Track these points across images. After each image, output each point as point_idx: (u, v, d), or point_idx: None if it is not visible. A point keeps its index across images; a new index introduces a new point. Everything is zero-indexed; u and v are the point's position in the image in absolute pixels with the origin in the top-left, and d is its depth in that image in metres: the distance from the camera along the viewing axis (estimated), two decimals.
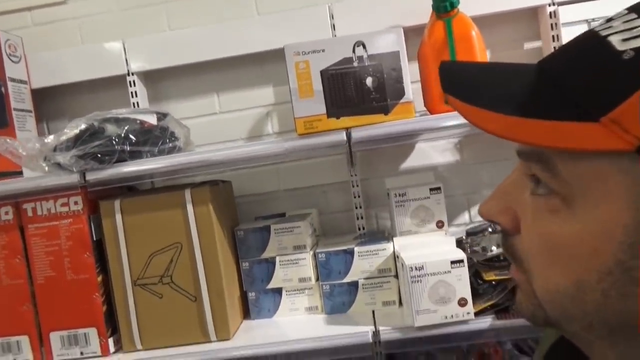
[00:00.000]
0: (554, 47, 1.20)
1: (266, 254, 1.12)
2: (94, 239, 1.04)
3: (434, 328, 0.95)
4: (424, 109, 1.07)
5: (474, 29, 0.98)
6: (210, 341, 1.03)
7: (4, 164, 1.06)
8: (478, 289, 0.97)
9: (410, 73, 0.96)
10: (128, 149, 0.95)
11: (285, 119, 1.36)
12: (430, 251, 0.99)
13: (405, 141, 1.00)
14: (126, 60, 1.28)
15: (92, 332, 1.04)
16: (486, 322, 0.95)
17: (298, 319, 1.11)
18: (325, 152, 1.26)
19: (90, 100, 1.39)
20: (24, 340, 1.05)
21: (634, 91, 0.28)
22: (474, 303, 0.94)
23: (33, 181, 1.02)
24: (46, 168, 0.96)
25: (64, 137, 0.93)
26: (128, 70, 1.29)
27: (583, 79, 0.31)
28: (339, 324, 1.05)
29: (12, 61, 1.19)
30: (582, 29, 1.19)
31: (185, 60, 1.30)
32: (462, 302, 0.95)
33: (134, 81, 1.29)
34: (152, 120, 1.02)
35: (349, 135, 0.94)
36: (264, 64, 1.35)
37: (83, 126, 0.96)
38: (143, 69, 1.30)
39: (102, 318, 1.04)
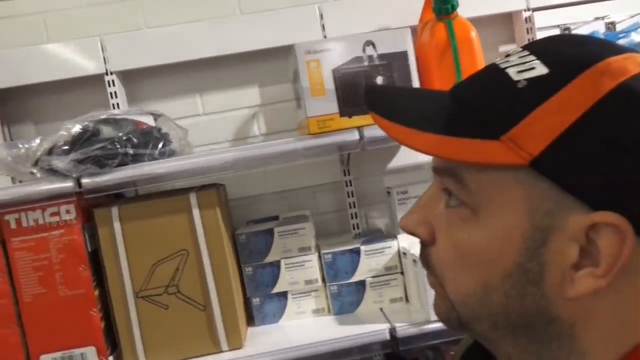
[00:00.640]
0: None
1: (270, 258, 1.09)
2: (89, 250, 0.96)
3: None
4: None
5: (473, 31, 1.02)
6: (221, 351, 0.99)
7: None
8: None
9: None
10: (131, 151, 0.89)
11: (272, 121, 1.34)
12: None
13: None
14: (105, 58, 1.20)
15: (90, 352, 0.96)
16: None
17: (305, 323, 1.10)
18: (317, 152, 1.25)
19: (58, 103, 1.29)
20: None
21: (527, 114, 0.32)
22: None
23: (17, 189, 0.92)
24: (38, 174, 0.87)
25: (60, 140, 0.85)
26: (107, 69, 1.21)
27: (487, 103, 0.35)
28: (349, 324, 1.04)
29: None
30: (555, 32, 1.28)
31: (165, 60, 1.24)
32: None
33: (112, 81, 1.21)
34: (149, 121, 0.97)
35: (361, 134, 0.94)
36: (249, 64, 1.32)
37: (78, 128, 0.88)
38: (121, 68, 1.22)
39: (101, 335, 0.96)
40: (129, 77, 1.26)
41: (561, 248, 0.33)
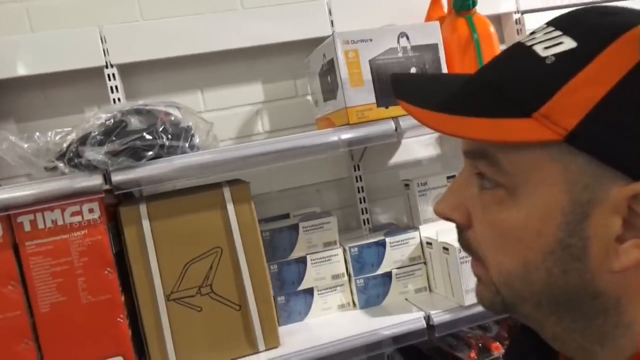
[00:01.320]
0: None
1: (295, 254, 1.07)
2: (114, 251, 0.89)
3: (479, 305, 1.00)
4: None
5: (492, 26, 1.07)
6: (258, 352, 0.95)
7: None
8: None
9: None
10: (167, 143, 0.84)
11: (277, 117, 1.32)
12: None
13: None
14: (105, 50, 1.12)
15: None
16: None
17: (332, 318, 1.08)
18: (305, 155, 1.25)
19: (45, 98, 1.18)
20: None
21: (558, 89, 0.32)
22: None
23: (34, 187, 0.83)
24: (66, 169, 0.79)
25: (93, 130, 0.78)
26: (107, 62, 1.12)
27: (515, 81, 0.35)
28: (379, 316, 1.04)
29: None
30: None
31: (165, 54, 1.18)
32: None
33: (113, 74, 1.13)
34: (176, 112, 0.91)
35: (397, 124, 0.95)
36: (253, 60, 1.29)
37: (104, 117, 0.81)
38: (120, 62, 1.14)
39: (129, 343, 0.89)
40: (127, 71, 1.19)
41: (603, 221, 0.33)
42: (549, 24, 0.36)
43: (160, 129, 0.83)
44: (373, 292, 1.09)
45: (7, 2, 1.16)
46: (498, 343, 1.07)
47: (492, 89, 0.36)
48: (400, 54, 0.96)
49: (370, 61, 0.94)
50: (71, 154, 0.78)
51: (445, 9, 1.19)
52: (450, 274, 1.02)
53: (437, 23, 1.00)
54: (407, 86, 0.42)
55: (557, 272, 0.35)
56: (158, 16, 1.22)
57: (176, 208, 0.91)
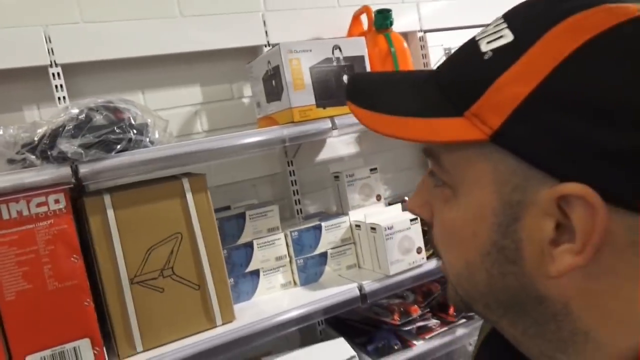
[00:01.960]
0: (423, 64, 1.60)
1: (243, 239, 1.19)
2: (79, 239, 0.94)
3: (403, 273, 1.21)
4: None
5: (405, 42, 1.29)
6: (215, 326, 1.05)
7: None
8: (425, 239, 1.26)
9: None
10: (134, 137, 0.92)
11: (215, 118, 1.42)
12: (388, 216, 1.25)
13: None
14: (50, 50, 1.15)
15: (85, 344, 0.93)
16: (433, 263, 1.25)
17: (277, 296, 1.21)
18: (255, 149, 1.38)
19: None
20: None
21: (488, 87, 0.31)
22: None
23: (3, 179, 0.86)
24: (37, 161, 0.84)
25: (65, 124, 0.84)
26: (52, 61, 1.16)
27: (456, 79, 0.34)
28: (319, 290, 1.20)
29: None
30: (440, 50, 1.63)
31: (109, 56, 1.24)
32: (419, 250, 1.23)
33: (58, 73, 1.17)
34: (137, 110, 1.00)
35: (333, 122, 1.12)
36: (192, 65, 1.39)
37: (76, 112, 0.88)
38: (64, 61, 1.18)
39: (96, 326, 0.94)
40: (71, 71, 1.22)
41: (536, 224, 0.31)
42: (502, 16, 0.34)
43: (128, 124, 0.91)
44: (311, 270, 1.25)
45: None
46: (415, 306, 1.27)
47: (438, 88, 0.36)
48: (334, 63, 1.13)
49: (310, 68, 1.10)
50: (44, 146, 0.83)
51: (364, 26, 1.38)
52: (377, 249, 1.21)
53: (363, 38, 1.18)
54: (359, 87, 0.42)
55: (496, 274, 0.34)
56: (98, 19, 1.27)
57: (139, 198, 0.99)
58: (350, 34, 1.40)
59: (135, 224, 0.98)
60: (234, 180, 1.44)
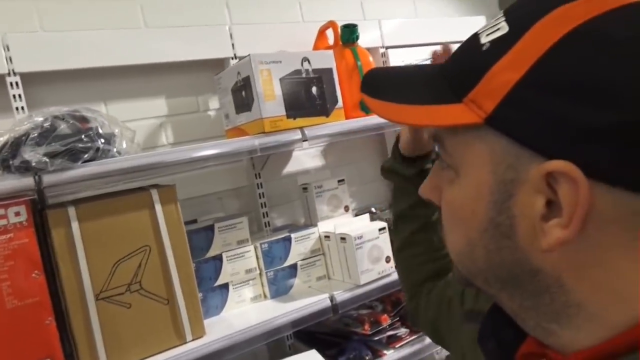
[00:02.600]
0: None
1: (212, 252, 1.16)
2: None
3: (373, 283, 1.22)
4: None
5: (370, 56, 1.32)
6: (186, 342, 1.02)
7: None
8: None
9: None
10: (102, 147, 0.89)
11: (180, 130, 1.40)
12: (357, 226, 1.26)
13: (346, 137, 1.23)
14: (8, 58, 1.10)
15: None
16: None
17: (247, 309, 1.19)
18: (227, 159, 1.37)
19: None
20: None
21: (484, 74, 0.34)
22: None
23: None
24: None
25: (30, 133, 0.80)
26: (10, 70, 1.11)
27: (458, 69, 0.37)
28: (290, 302, 1.19)
29: None
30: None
31: (69, 65, 1.21)
32: (387, 259, 1.25)
33: (16, 82, 1.12)
34: (103, 119, 0.97)
35: (303, 133, 1.13)
36: (156, 76, 1.37)
37: (40, 120, 0.85)
38: (23, 70, 1.14)
39: (58, 345, 0.90)
40: (30, 80, 1.17)
41: (528, 200, 0.33)
42: (503, 10, 0.37)
43: (95, 133, 0.89)
44: (282, 283, 1.24)
45: None
46: (385, 315, 1.28)
47: (443, 78, 0.38)
48: (304, 75, 1.15)
49: (280, 79, 1.11)
50: (6, 155, 0.80)
51: (330, 41, 1.41)
52: (347, 259, 1.22)
53: (332, 52, 1.21)
54: (373, 80, 0.44)
55: (493, 249, 0.36)
56: (59, 28, 1.23)
57: (106, 209, 0.95)
58: (316, 47, 1.43)
59: (101, 237, 0.95)
60: (201, 194, 1.41)
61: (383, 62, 1.65)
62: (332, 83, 1.19)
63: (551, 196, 0.32)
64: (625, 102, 0.29)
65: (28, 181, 0.85)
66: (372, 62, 1.32)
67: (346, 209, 1.37)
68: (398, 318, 1.32)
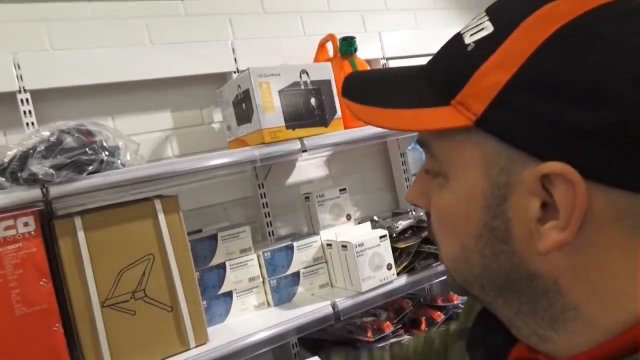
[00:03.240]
0: None
1: (215, 261, 1.19)
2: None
3: (374, 290, 1.23)
4: None
5: (369, 68, 1.35)
6: (189, 348, 1.04)
7: None
8: (394, 256, 1.30)
9: None
10: (106, 159, 0.93)
11: (185, 143, 1.44)
12: (359, 234, 1.28)
13: (345, 147, 1.25)
14: (19, 76, 1.15)
15: None
16: (403, 279, 1.28)
17: (251, 317, 1.21)
18: (230, 170, 1.41)
19: None
20: None
21: (471, 76, 0.33)
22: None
23: None
24: (7, 183, 0.84)
25: (37, 146, 0.84)
26: (21, 87, 1.16)
27: (442, 71, 0.36)
28: (293, 309, 1.20)
29: None
30: None
31: (78, 82, 1.25)
32: (389, 267, 1.26)
33: (27, 99, 1.17)
34: (108, 132, 1.01)
35: (302, 143, 1.16)
36: (161, 90, 1.41)
37: (47, 134, 0.88)
38: (33, 87, 1.19)
39: (65, 351, 0.92)
40: (40, 97, 1.22)
41: (522, 203, 0.32)
42: (485, 10, 0.36)
43: (100, 145, 0.92)
44: (285, 290, 1.25)
45: None
46: (388, 322, 1.29)
47: (427, 81, 0.37)
48: (302, 87, 1.18)
49: (279, 91, 1.14)
50: (14, 167, 0.83)
51: (330, 53, 1.44)
52: (349, 266, 1.23)
53: (329, 64, 1.24)
54: (354, 85, 0.43)
55: (489, 255, 0.35)
56: (68, 46, 1.28)
57: (110, 219, 0.99)
58: (316, 60, 1.46)
59: (107, 246, 0.98)
60: (206, 204, 1.44)
61: None
62: (331, 94, 1.21)
63: (546, 198, 0.32)
64: (616, 101, 0.29)
65: (36, 192, 0.89)
66: None
67: (348, 217, 1.39)
68: (401, 325, 1.33)
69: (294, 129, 1.15)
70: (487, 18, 0.34)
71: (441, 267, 1.33)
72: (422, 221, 1.36)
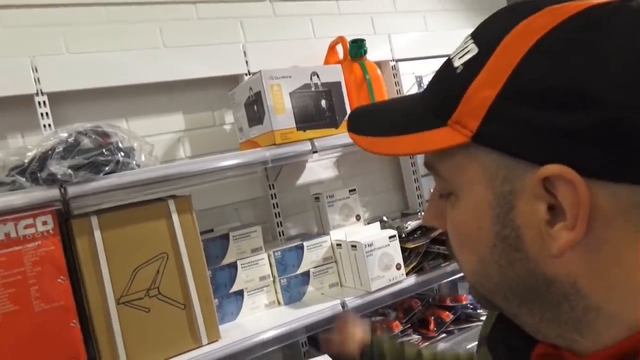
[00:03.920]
0: (396, 90, 1.69)
1: (227, 260, 1.21)
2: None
3: (383, 289, 1.24)
4: None
5: (379, 70, 1.36)
6: (201, 345, 1.06)
7: None
8: (403, 256, 1.31)
9: None
10: (121, 160, 0.95)
11: (198, 144, 1.46)
12: (368, 234, 1.29)
13: (355, 148, 1.27)
14: (37, 79, 1.19)
15: None
16: (412, 279, 1.30)
17: (261, 315, 1.23)
18: (241, 171, 1.43)
19: None
20: None
21: (463, 95, 0.35)
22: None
23: None
24: (27, 183, 0.87)
25: (55, 147, 0.87)
26: (38, 90, 1.19)
27: (438, 95, 0.39)
28: (303, 308, 1.22)
29: None
30: (412, 77, 1.72)
31: (93, 84, 1.28)
32: (398, 267, 1.27)
33: (44, 101, 1.20)
34: (124, 134, 1.03)
35: (313, 144, 1.18)
36: (174, 93, 1.43)
37: (65, 135, 0.91)
38: (50, 90, 1.22)
39: (82, 347, 0.95)
40: (57, 100, 1.25)
41: (529, 209, 0.33)
42: (470, 34, 0.39)
43: (116, 147, 0.95)
44: (295, 290, 1.27)
45: None
46: (397, 322, 1.31)
47: (426, 106, 0.40)
48: (313, 89, 1.20)
49: (290, 93, 1.16)
50: (34, 168, 0.86)
51: (340, 56, 1.46)
52: (358, 266, 1.25)
53: (340, 66, 1.26)
54: (358, 119, 0.46)
55: (505, 264, 0.36)
56: (84, 50, 1.31)
57: (126, 219, 1.01)
58: (326, 62, 1.48)
59: (122, 244, 1.00)
60: (217, 204, 1.47)
61: (394, 74, 1.69)
62: (341, 96, 1.23)
63: (551, 201, 0.33)
64: (600, 100, 0.30)
65: (54, 192, 0.91)
66: (380, 75, 1.36)
67: (357, 218, 1.40)
68: (409, 325, 1.34)
69: (304, 130, 1.17)
70: (472, 41, 0.37)
71: (450, 268, 1.34)
72: None
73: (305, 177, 1.60)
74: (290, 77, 1.16)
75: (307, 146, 1.17)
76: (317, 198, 1.39)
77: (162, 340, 1.03)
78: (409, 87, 1.70)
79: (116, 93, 1.34)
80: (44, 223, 0.94)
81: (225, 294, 1.20)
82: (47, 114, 1.20)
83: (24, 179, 0.87)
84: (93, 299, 0.97)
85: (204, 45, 1.44)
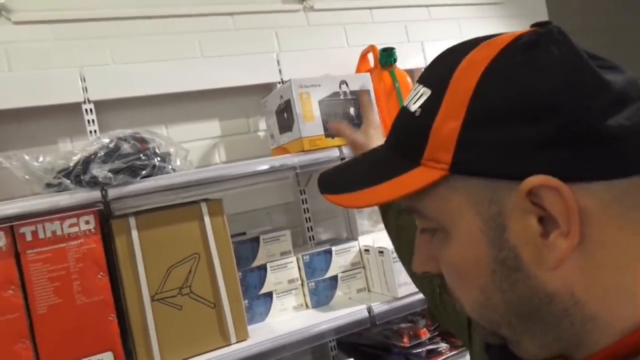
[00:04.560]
0: None
1: (257, 262, 1.25)
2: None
3: (411, 296, 1.25)
4: None
5: (409, 77, 1.38)
6: (230, 344, 1.10)
7: None
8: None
9: None
10: (157, 164, 1.01)
11: (232, 150, 1.52)
12: None
13: None
14: (84, 88, 1.27)
15: (108, 357, 1.00)
16: None
17: (290, 317, 1.26)
18: (272, 177, 1.47)
19: (20, 130, 1.29)
20: None
21: (429, 134, 0.37)
22: None
23: (38, 202, 0.96)
24: (71, 185, 0.93)
25: (97, 152, 0.94)
26: (85, 98, 1.27)
27: (403, 140, 0.40)
28: (330, 311, 1.24)
29: None
30: None
31: (136, 93, 1.36)
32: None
33: (90, 109, 1.28)
34: (160, 140, 1.09)
35: (341, 151, 1.20)
36: (211, 101, 1.50)
37: (106, 141, 0.98)
38: (96, 98, 1.30)
39: (119, 340, 1.01)
40: (102, 107, 1.34)
41: (521, 225, 0.34)
42: (417, 80, 0.41)
43: (152, 152, 1.01)
44: (323, 293, 1.30)
45: None
46: (424, 329, 1.31)
47: (393, 153, 0.41)
48: (341, 97, 1.22)
49: (319, 101, 1.19)
50: (78, 171, 0.93)
51: (371, 64, 1.48)
52: (385, 272, 1.26)
53: (368, 74, 1.28)
54: (329, 180, 0.47)
55: (507, 288, 0.36)
56: (128, 61, 1.39)
57: (161, 220, 1.07)
58: (358, 71, 1.50)
59: (157, 244, 1.06)
60: (251, 209, 1.51)
61: None
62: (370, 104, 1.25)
63: (540, 212, 0.33)
64: (554, 108, 0.33)
65: (96, 194, 0.98)
66: (410, 83, 1.38)
67: None
68: (437, 333, 1.34)
69: (332, 138, 1.20)
70: (421, 86, 0.39)
71: None
72: None
73: None
74: (319, 85, 1.19)
75: (335, 153, 1.20)
76: None
77: (193, 336, 1.07)
78: None
79: (157, 101, 1.42)
80: (87, 222, 1.00)
81: (255, 295, 1.24)
82: (93, 120, 1.28)
83: (69, 181, 0.93)
84: (130, 295, 1.03)
85: (240, 55, 1.50)
